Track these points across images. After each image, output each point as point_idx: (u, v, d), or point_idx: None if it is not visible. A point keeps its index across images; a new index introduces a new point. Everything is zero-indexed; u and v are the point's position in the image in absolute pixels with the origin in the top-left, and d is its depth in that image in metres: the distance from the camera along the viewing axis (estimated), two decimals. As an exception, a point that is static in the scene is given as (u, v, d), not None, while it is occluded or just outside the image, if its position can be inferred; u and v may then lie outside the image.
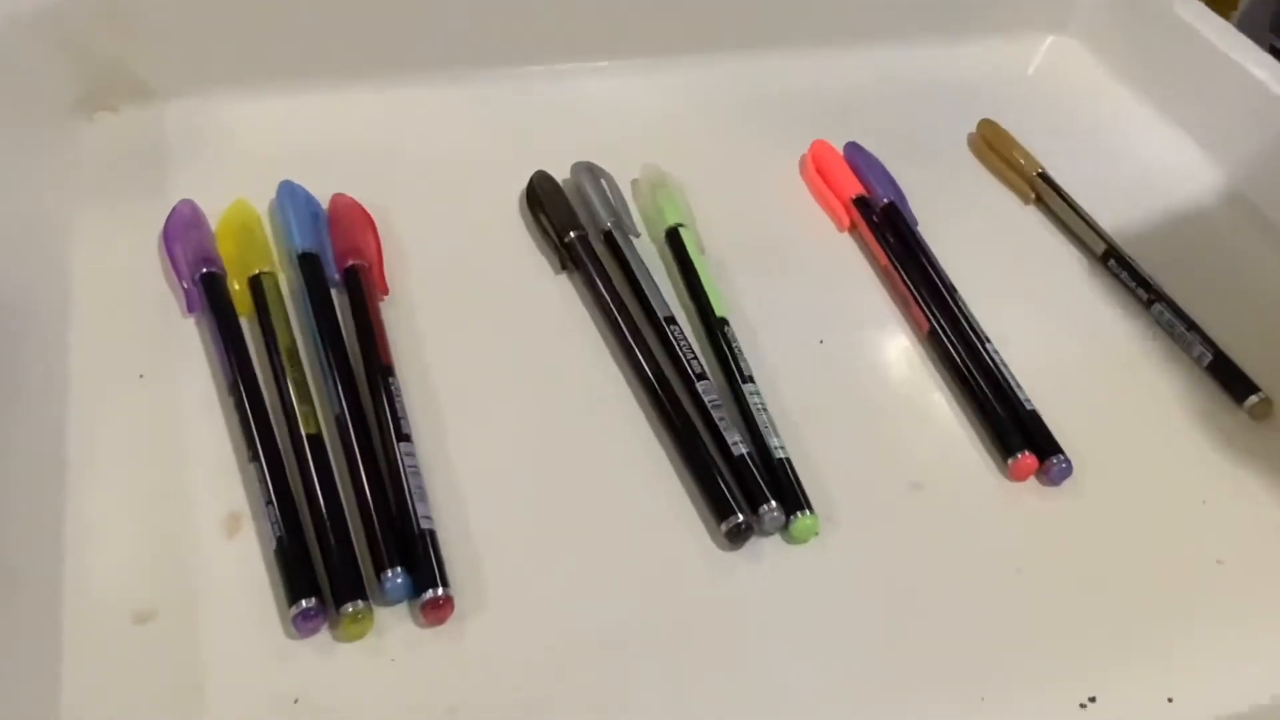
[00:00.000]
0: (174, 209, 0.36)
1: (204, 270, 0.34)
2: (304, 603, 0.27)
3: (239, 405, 0.31)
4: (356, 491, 0.29)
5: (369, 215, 0.37)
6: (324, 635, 0.27)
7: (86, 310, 0.33)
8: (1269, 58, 0.43)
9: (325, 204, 0.37)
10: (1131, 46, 0.48)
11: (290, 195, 0.36)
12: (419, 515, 0.29)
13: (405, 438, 0.30)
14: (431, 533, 0.28)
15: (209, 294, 0.33)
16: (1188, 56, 0.45)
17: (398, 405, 0.31)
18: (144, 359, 0.32)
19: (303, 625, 0.27)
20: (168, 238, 0.35)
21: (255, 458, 0.29)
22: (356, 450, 0.30)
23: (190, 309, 0.33)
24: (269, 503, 0.28)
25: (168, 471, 0.30)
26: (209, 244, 0.35)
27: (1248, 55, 0.43)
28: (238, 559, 0.28)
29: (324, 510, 0.28)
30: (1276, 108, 0.42)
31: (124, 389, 0.31)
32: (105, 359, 0.32)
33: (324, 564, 0.28)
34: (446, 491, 0.30)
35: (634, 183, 0.40)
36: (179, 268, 0.34)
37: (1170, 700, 0.28)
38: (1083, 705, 0.28)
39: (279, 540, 0.28)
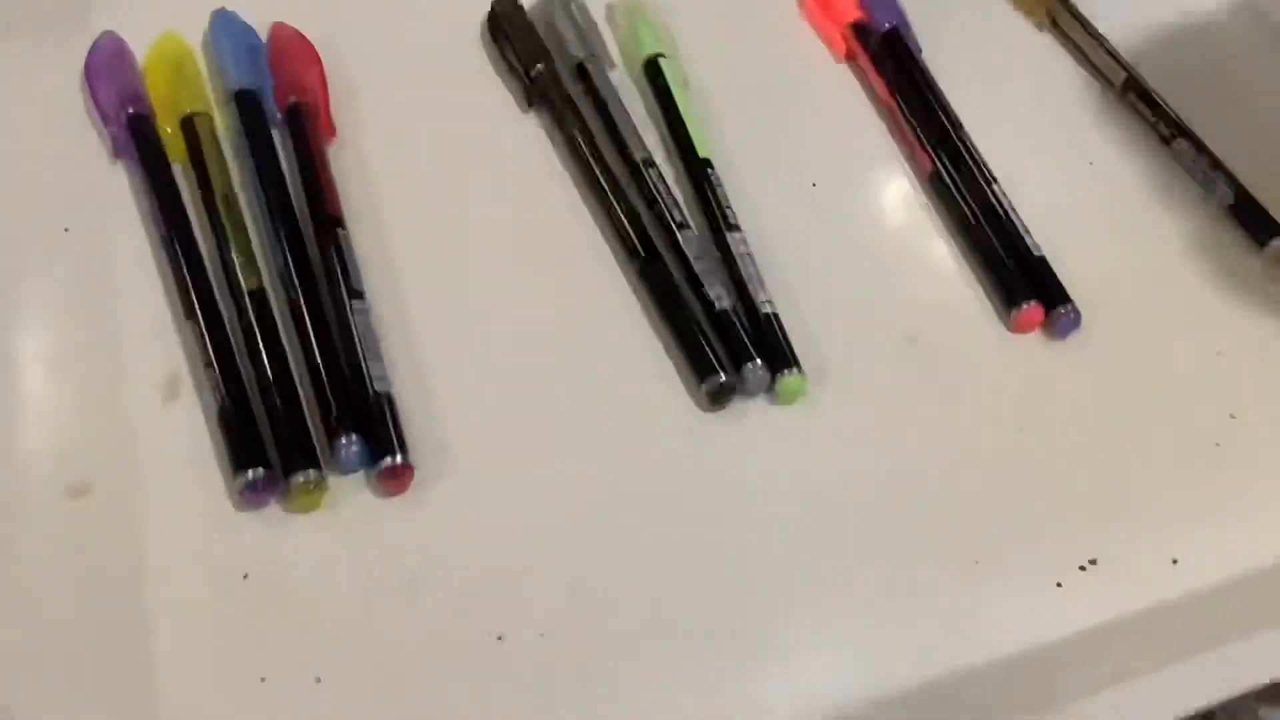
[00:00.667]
0: (96, 43, 0.32)
1: (131, 111, 0.31)
2: (250, 473, 0.25)
3: (172, 259, 0.28)
4: (305, 352, 0.27)
5: (313, 47, 0.33)
6: (274, 507, 0.25)
7: (3, 154, 0.30)
8: None
9: (264, 35, 0.33)
10: None
11: (225, 26, 0.33)
12: (373, 377, 0.26)
13: (357, 294, 0.28)
14: (388, 395, 0.26)
15: (137, 137, 0.30)
16: None
17: (348, 258, 0.28)
18: (69, 210, 0.29)
19: (250, 497, 0.25)
20: (90, 75, 0.32)
21: (191, 315, 0.27)
22: (304, 307, 0.27)
23: (117, 154, 0.30)
24: (209, 365, 0.26)
25: (99, 332, 0.27)
26: (136, 82, 0.32)
27: None
28: (177, 425, 0.26)
29: (269, 372, 0.26)
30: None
31: (48, 243, 0.29)
32: (26, 210, 0.29)
33: (272, 431, 0.26)
34: (404, 353, 0.28)
35: (609, 8, 0.36)
36: (103, 109, 0.31)
37: (1175, 562, 0.27)
38: (1082, 568, 0.26)
39: (221, 405, 0.26)
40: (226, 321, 0.27)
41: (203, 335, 0.27)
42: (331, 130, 0.32)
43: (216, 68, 0.32)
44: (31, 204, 0.29)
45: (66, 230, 0.29)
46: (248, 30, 0.33)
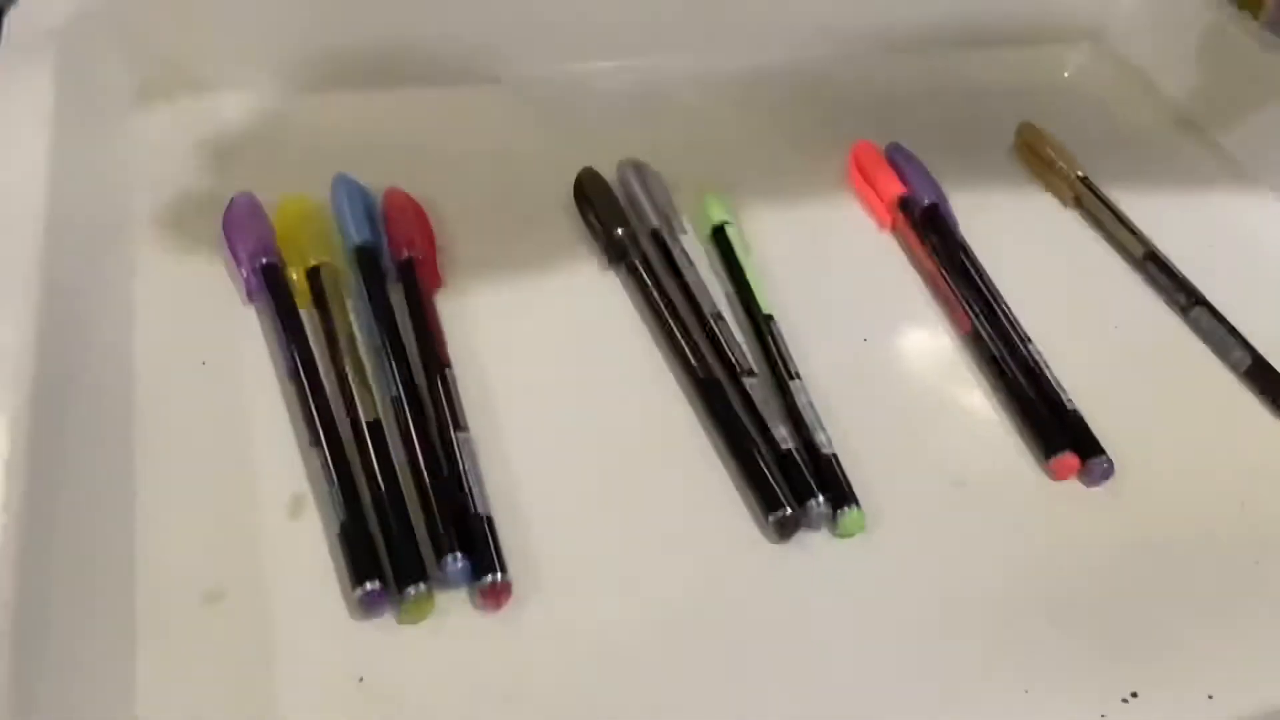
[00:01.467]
0: (232, 200, 0.37)
1: (263, 260, 0.34)
2: (368, 584, 0.27)
3: (299, 391, 0.31)
4: (415, 478, 0.30)
5: (421, 209, 0.37)
6: (386, 617, 0.28)
7: (149, 298, 0.34)
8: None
9: (378, 197, 0.38)
10: (1166, 52, 0.49)
11: (346, 188, 0.37)
12: (476, 500, 0.29)
13: (461, 426, 0.31)
14: (489, 518, 0.29)
15: (268, 284, 0.34)
16: (1220, 60, 0.46)
17: (453, 394, 0.32)
18: (207, 346, 0.33)
19: (368, 607, 0.27)
20: (227, 228, 0.36)
21: (316, 441, 0.30)
22: (415, 437, 0.30)
23: (250, 297, 0.34)
24: (331, 484, 0.29)
25: (232, 455, 0.30)
26: (268, 235, 0.36)
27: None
28: (302, 541, 0.29)
29: (385, 494, 0.29)
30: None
31: (188, 375, 0.32)
32: (169, 346, 0.33)
33: (386, 547, 0.28)
34: (499, 480, 0.31)
35: (678, 181, 0.41)
36: (239, 257, 0.35)
37: (1210, 697, 0.29)
38: (1124, 700, 0.28)
39: (342, 524, 0.28)
40: (346, 448, 0.30)
41: (326, 459, 0.30)
42: (439, 281, 0.36)
43: (338, 225, 0.37)
44: (175, 339, 0.33)
45: (204, 363, 0.33)
46: (365, 192, 0.37)
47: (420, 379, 0.32)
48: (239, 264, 0.35)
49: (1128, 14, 0.50)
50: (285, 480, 0.30)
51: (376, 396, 0.32)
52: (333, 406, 0.31)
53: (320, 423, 0.30)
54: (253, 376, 0.32)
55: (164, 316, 0.34)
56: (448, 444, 0.30)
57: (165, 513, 0.29)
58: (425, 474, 0.30)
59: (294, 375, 0.32)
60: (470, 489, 0.29)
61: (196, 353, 0.33)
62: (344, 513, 0.29)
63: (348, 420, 0.31)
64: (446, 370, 0.32)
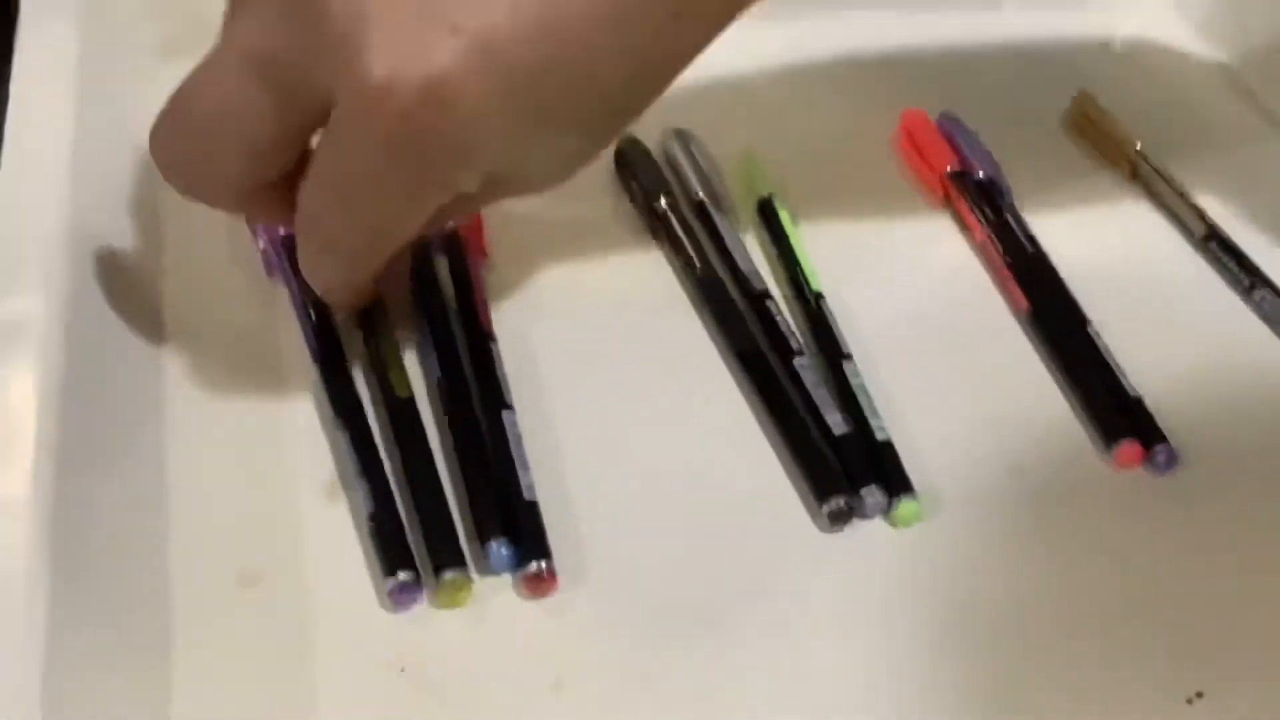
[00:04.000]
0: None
1: (282, 230, 0.33)
2: (401, 575, 0.26)
3: (324, 373, 0.30)
4: (461, 458, 0.29)
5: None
6: (427, 605, 0.27)
7: (178, 264, 0.33)
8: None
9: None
10: (1230, 19, 0.47)
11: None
12: (523, 485, 0.28)
13: (508, 406, 0.30)
14: (535, 503, 0.28)
15: (292, 258, 0.33)
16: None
17: (499, 372, 0.31)
18: (239, 316, 0.32)
19: (399, 599, 0.26)
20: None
21: (341, 425, 0.29)
22: (460, 417, 0.29)
23: (270, 271, 0.33)
24: (359, 474, 0.28)
25: (267, 435, 0.29)
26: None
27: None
28: (340, 525, 0.28)
29: (420, 476, 0.28)
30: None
31: (221, 347, 0.31)
32: (199, 314, 0.32)
33: (423, 530, 0.27)
34: (543, 460, 0.30)
35: (723, 151, 0.39)
36: (255, 229, 0.34)
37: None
38: (1189, 701, 0.27)
39: (370, 514, 0.27)
40: (383, 429, 0.29)
41: (350, 446, 0.28)
42: (484, 253, 0.34)
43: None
44: (205, 311, 0.32)
45: (238, 336, 0.32)
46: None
47: (465, 356, 0.31)
48: (255, 236, 0.33)
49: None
50: (323, 462, 0.29)
51: (421, 371, 0.30)
52: (364, 385, 0.30)
53: (344, 404, 0.29)
54: (290, 350, 0.31)
55: (194, 285, 0.33)
56: (495, 424, 0.29)
57: (199, 494, 0.28)
58: (468, 454, 0.29)
59: (316, 354, 0.31)
60: (517, 472, 0.28)
61: (229, 324, 0.32)
62: (371, 502, 0.28)
63: (382, 399, 0.30)
64: (493, 344, 0.31)
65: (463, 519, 0.28)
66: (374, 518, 0.27)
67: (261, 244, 0.33)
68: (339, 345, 0.31)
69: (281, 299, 0.33)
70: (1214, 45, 0.47)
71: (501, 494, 0.28)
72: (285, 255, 0.32)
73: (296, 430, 0.30)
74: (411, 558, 0.27)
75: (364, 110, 0.24)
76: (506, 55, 0.24)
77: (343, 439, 0.29)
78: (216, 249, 0.34)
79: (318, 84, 0.25)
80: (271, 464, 0.29)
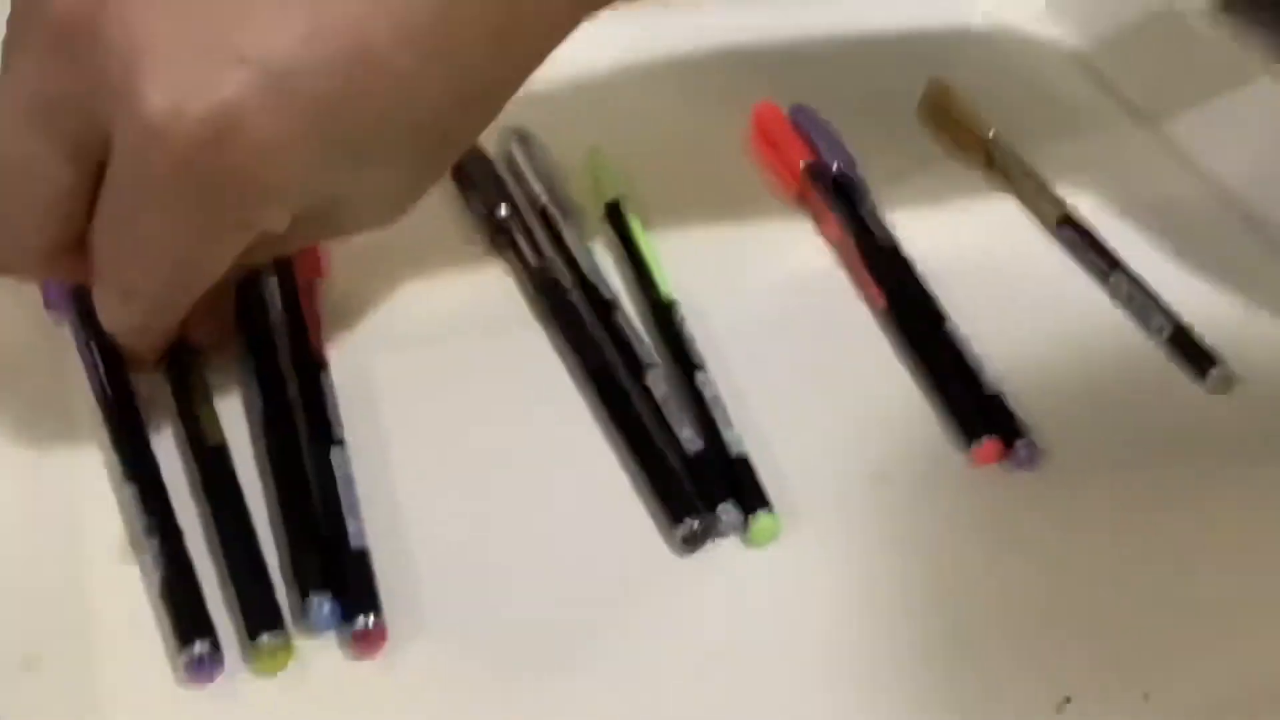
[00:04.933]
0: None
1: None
2: (196, 645, 0.24)
3: (108, 417, 0.27)
4: (282, 502, 0.26)
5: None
6: (238, 667, 0.24)
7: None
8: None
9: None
10: (1084, 1, 0.47)
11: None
12: (351, 532, 0.26)
13: (337, 441, 0.28)
14: (364, 551, 0.26)
15: (73, 290, 0.29)
16: (1132, 11, 0.44)
17: (329, 404, 0.28)
18: (19, 358, 0.29)
19: (196, 672, 0.24)
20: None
21: (128, 479, 0.26)
22: (282, 456, 0.27)
23: (48, 306, 0.30)
24: (147, 533, 0.25)
25: (54, 492, 0.26)
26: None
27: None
28: (135, 589, 0.25)
29: (231, 531, 0.26)
30: (1222, 75, 0.40)
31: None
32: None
33: (236, 590, 0.25)
34: (378, 500, 0.28)
35: (566, 152, 0.37)
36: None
37: (1146, 697, 0.27)
38: (1058, 709, 0.27)
39: (161, 578, 0.25)
40: (188, 480, 0.26)
41: (141, 501, 0.26)
42: (320, 271, 0.32)
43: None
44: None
45: (18, 380, 0.28)
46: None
47: (292, 384, 0.29)
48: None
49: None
50: (116, 518, 0.26)
51: (245, 406, 0.28)
52: (165, 431, 0.27)
53: (131, 454, 0.26)
54: (79, 392, 0.28)
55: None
56: (321, 464, 0.27)
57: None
58: (290, 498, 0.26)
59: (100, 397, 0.28)
60: (344, 518, 0.26)
61: (6, 365, 0.29)
62: (162, 564, 0.25)
63: (189, 448, 0.27)
64: (322, 373, 0.29)
65: (283, 572, 0.26)
66: (165, 582, 0.25)
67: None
68: (127, 386, 0.28)
69: (64, 335, 0.30)
70: (1070, 31, 0.47)
71: (327, 542, 0.26)
72: (64, 289, 0.29)
73: (88, 485, 0.27)
74: (209, 625, 0.24)
75: (146, 145, 0.22)
76: (301, 85, 0.23)
77: (130, 493, 0.26)
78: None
79: (99, 124, 0.23)
80: (59, 525, 0.26)
